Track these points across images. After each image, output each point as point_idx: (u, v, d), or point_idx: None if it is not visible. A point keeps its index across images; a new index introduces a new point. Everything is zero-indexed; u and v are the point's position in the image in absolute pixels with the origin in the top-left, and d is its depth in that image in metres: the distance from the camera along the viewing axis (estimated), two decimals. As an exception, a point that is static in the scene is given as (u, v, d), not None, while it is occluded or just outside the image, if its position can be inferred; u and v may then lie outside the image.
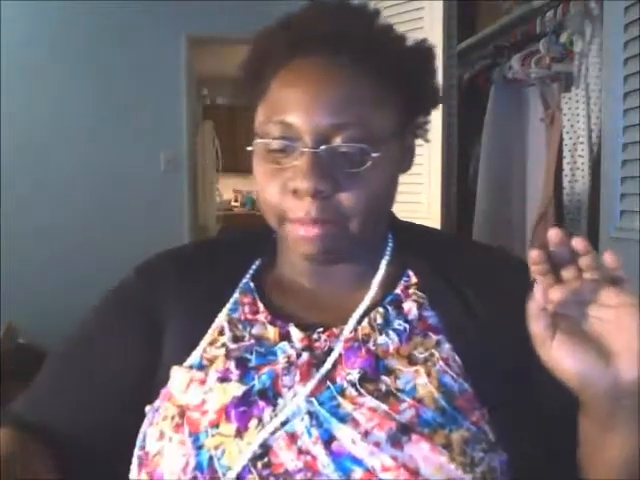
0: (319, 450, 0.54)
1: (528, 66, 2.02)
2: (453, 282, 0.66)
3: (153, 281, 0.70)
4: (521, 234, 2.17)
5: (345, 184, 0.59)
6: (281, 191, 0.61)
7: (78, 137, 3.46)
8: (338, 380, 0.59)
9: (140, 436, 0.62)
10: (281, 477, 0.54)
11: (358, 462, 0.53)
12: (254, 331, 0.64)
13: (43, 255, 3.37)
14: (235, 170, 6.44)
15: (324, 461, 0.53)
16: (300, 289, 0.69)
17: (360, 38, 0.62)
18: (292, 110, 0.59)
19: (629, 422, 0.50)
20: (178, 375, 0.62)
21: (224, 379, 0.60)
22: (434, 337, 0.62)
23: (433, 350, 0.61)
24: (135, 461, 0.61)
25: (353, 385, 0.58)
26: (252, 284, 0.69)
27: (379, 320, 0.64)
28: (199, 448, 0.57)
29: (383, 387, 0.58)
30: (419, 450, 0.53)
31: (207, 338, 0.65)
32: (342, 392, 0.58)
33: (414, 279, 0.67)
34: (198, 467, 0.56)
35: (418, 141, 0.71)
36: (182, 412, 0.60)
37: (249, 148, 0.64)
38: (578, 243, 0.50)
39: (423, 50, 0.67)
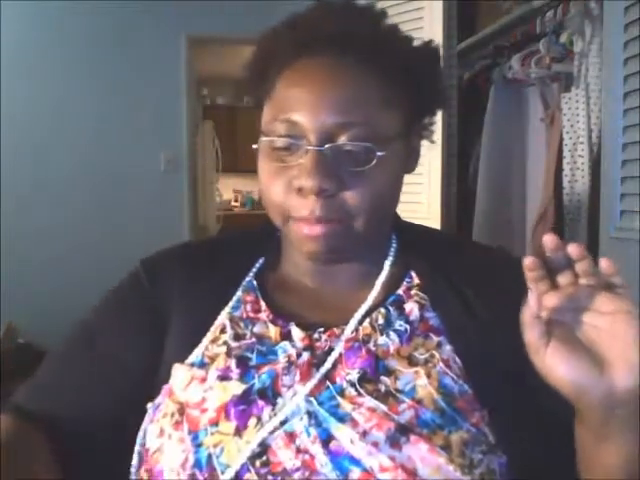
0: (317, 449, 0.54)
1: (528, 66, 2.02)
2: (454, 282, 0.66)
3: (157, 277, 0.70)
4: (521, 234, 2.17)
5: (350, 183, 0.59)
6: (286, 189, 0.61)
7: (78, 137, 3.46)
8: (338, 380, 0.59)
9: (140, 432, 0.62)
10: (279, 476, 0.54)
11: (356, 462, 0.53)
12: (255, 329, 0.64)
13: (43, 255, 3.37)
14: (235, 170, 6.44)
15: (322, 460, 0.53)
16: (303, 288, 0.69)
17: (366, 38, 0.62)
18: (298, 108, 0.60)
19: (623, 431, 0.50)
20: (179, 373, 0.62)
21: (224, 377, 0.60)
22: (435, 338, 0.62)
23: (434, 351, 0.61)
24: (135, 457, 0.62)
25: (353, 385, 0.58)
26: (255, 282, 0.69)
27: (380, 320, 0.64)
28: (198, 446, 0.57)
29: (382, 387, 0.58)
30: (417, 451, 0.53)
31: (209, 336, 0.65)
32: (341, 392, 0.58)
33: (416, 280, 0.67)
34: (197, 464, 0.56)
35: (418, 141, 0.71)
36: (182, 409, 0.60)
37: (254, 146, 0.64)
38: (573, 249, 0.49)
39: (429, 51, 0.67)
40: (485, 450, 0.56)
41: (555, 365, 0.50)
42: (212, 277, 0.70)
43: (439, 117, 0.73)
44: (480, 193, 2.27)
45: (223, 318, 0.66)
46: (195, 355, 0.64)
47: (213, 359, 0.63)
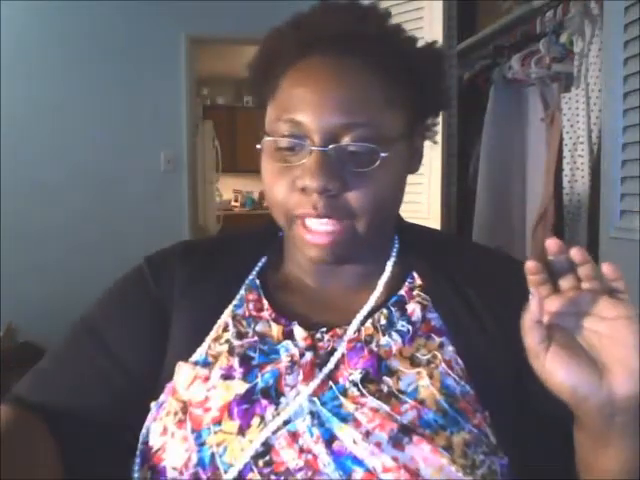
0: (320, 449, 0.54)
1: (528, 66, 2.02)
2: (456, 283, 0.66)
3: (161, 274, 0.70)
4: (521, 234, 2.17)
5: (353, 183, 0.59)
6: (289, 189, 0.61)
7: (78, 137, 3.46)
8: (340, 380, 0.59)
9: (143, 430, 0.62)
10: (282, 476, 0.54)
11: (359, 462, 0.53)
12: (258, 328, 0.65)
13: (43, 255, 3.37)
14: (235, 170, 6.45)
15: (325, 460, 0.54)
16: (305, 288, 0.70)
17: (370, 38, 0.62)
18: (301, 109, 0.60)
19: (623, 437, 0.50)
20: (183, 371, 0.62)
21: (227, 376, 0.61)
22: (437, 339, 0.63)
23: (436, 352, 0.61)
24: (138, 455, 0.62)
25: (355, 385, 0.58)
26: (257, 281, 0.69)
27: (383, 321, 0.64)
28: (201, 445, 0.57)
29: (385, 388, 0.58)
30: (420, 451, 0.53)
31: (212, 334, 0.65)
32: (344, 392, 0.58)
33: (419, 281, 0.67)
34: (200, 463, 0.56)
35: (419, 141, 0.71)
36: (185, 408, 0.60)
37: (258, 146, 0.64)
38: (576, 253, 0.49)
39: (433, 52, 0.67)
40: (487, 451, 0.56)
41: (555, 370, 0.49)
42: (215, 276, 0.70)
43: (439, 117, 0.73)
44: (480, 193, 2.27)
45: (226, 316, 0.66)
46: (199, 354, 0.64)
47: (216, 358, 0.63)
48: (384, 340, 0.62)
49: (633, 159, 1.46)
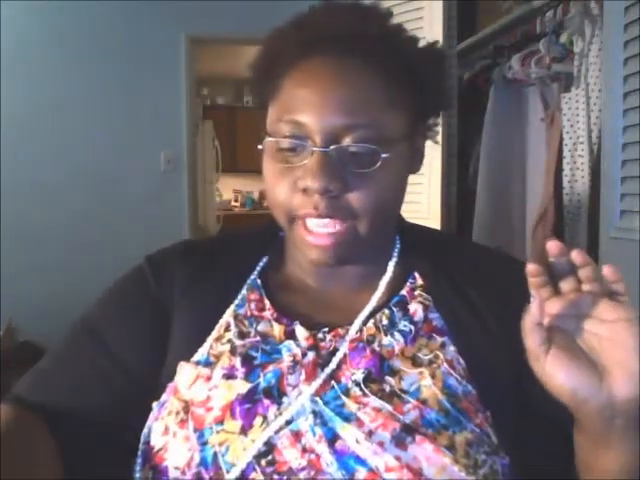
0: (323, 449, 0.54)
1: (528, 66, 2.02)
2: (457, 283, 0.66)
3: (162, 274, 0.70)
4: (521, 234, 2.17)
5: (354, 184, 0.59)
6: (291, 190, 0.61)
7: (78, 137, 3.46)
8: (343, 380, 0.59)
9: (145, 430, 0.62)
10: (285, 475, 0.54)
11: (362, 461, 0.53)
12: (260, 328, 0.65)
13: (43, 255, 3.37)
14: (235, 170, 6.45)
15: (328, 460, 0.54)
16: (306, 288, 0.70)
17: (372, 39, 0.62)
18: (303, 109, 0.60)
19: (623, 439, 0.50)
20: (185, 371, 0.62)
21: (229, 376, 0.61)
22: (439, 339, 0.63)
23: (438, 352, 0.61)
24: (140, 455, 0.62)
25: (358, 385, 0.58)
26: (259, 281, 0.69)
27: (384, 321, 0.64)
28: (203, 444, 0.57)
29: (387, 388, 0.58)
30: (423, 451, 0.53)
31: (214, 334, 0.65)
32: (347, 392, 0.58)
33: (420, 281, 0.68)
34: (202, 463, 0.56)
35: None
36: (187, 408, 0.60)
37: (259, 147, 0.64)
38: (577, 256, 0.49)
39: (435, 52, 0.67)
40: (488, 451, 0.56)
41: (555, 373, 0.49)
42: (216, 275, 0.70)
43: (439, 117, 0.73)
44: (480, 193, 2.27)
45: (228, 316, 0.66)
46: (200, 354, 0.64)
47: (218, 357, 0.63)
48: (386, 340, 0.62)
49: (633, 159, 1.46)
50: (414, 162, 0.68)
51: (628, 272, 0.50)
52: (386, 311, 0.65)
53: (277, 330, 0.64)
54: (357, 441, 0.54)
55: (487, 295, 0.65)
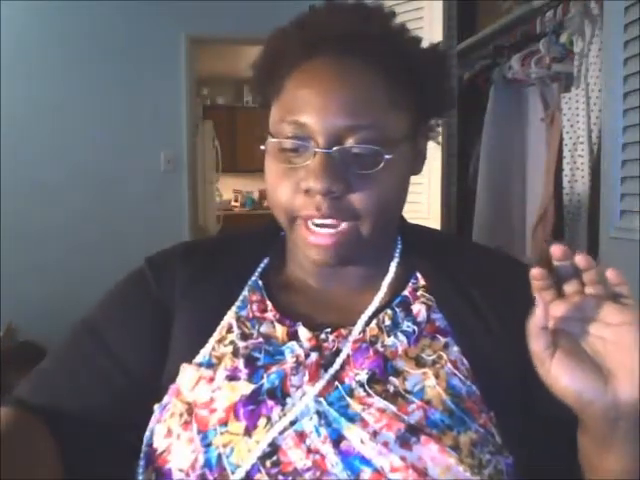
0: (328, 449, 0.54)
1: (528, 66, 2.02)
2: (460, 283, 0.66)
3: (163, 275, 0.70)
4: (521, 234, 2.17)
5: (356, 185, 0.59)
6: (293, 191, 0.61)
7: (78, 137, 3.46)
8: (346, 381, 0.59)
9: (147, 433, 0.62)
10: (290, 476, 0.54)
11: (367, 462, 0.53)
12: (262, 329, 0.65)
13: (43, 255, 3.37)
14: (235, 170, 6.45)
15: (333, 460, 0.54)
16: (308, 289, 0.70)
17: (374, 39, 0.62)
18: (306, 110, 0.59)
19: (626, 442, 0.50)
20: (187, 373, 0.62)
21: (233, 377, 0.60)
22: (442, 339, 0.63)
23: (441, 352, 0.61)
24: (142, 457, 0.62)
25: (362, 386, 0.58)
26: (260, 282, 0.69)
27: (387, 322, 0.64)
28: (208, 446, 0.57)
29: (391, 388, 0.58)
30: (428, 451, 0.53)
31: (215, 336, 0.65)
32: (351, 392, 0.58)
33: (422, 281, 0.68)
34: (207, 464, 0.56)
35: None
36: (190, 410, 0.60)
37: (262, 147, 0.64)
38: (581, 260, 0.50)
39: (437, 53, 0.67)
40: (493, 451, 0.56)
41: (560, 376, 0.50)
42: (217, 276, 0.70)
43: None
44: (480, 193, 2.27)
45: (229, 318, 0.66)
46: (202, 355, 0.64)
47: (220, 359, 0.63)
48: (389, 341, 0.62)
49: (633, 159, 1.46)
50: (416, 163, 0.68)
51: (628, 272, 0.50)
52: (389, 311, 0.65)
53: (280, 331, 0.64)
54: (362, 441, 0.54)
55: (489, 295, 0.65)
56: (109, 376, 0.65)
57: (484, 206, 2.26)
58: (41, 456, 0.59)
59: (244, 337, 0.64)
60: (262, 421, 0.57)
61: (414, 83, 0.63)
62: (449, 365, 0.60)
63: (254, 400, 0.58)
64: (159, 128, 3.57)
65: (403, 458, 0.53)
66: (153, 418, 0.62)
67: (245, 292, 0.68)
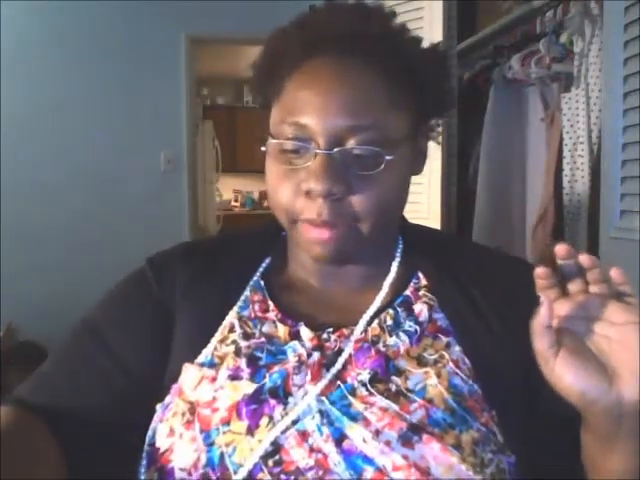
0: (330, 448, 0.54)
1: (528, 66, 2.02)
2: (461, 283, 0.66)
3: (164, 276, 0.70)
4: (521, 234, 2.17)
5: (357, 186, 0.59)
6: (294, 192, 0.61)
7: (78, 137, 3.46)
8: (349, 380, 0.59)
9: (149, 432, 0.62)
10: (292, 475, 0.54)
11: (369, 461, 0.53)
12: (264, 329, 0.65)
13: (43, 255, 3.37)
14: (235, 170, 6.45)
15: (335, 459, 0.54)
16: (310, 288, 0.70)
17: (375, 39, 0.62)
18: (306, 111, 0.59)
19: (630, 440, 0.50)
20: (189, 372, 0.63)
21: (235, 377, 0.61)
22: (444, 339, 0.63)
23: (443, 352, 0.61)
24: (144, 457, 0.62)
25: (364, 385, 0.58)
26: (262, 282, 0.69)
27: (389, 322, 0.64)
28: (210, 445, 0.57)
29: (393, 387, 0.58)
30: (430, 450, 0.53)
31: (217, 336, 0.65)
32: (353, 392, 0.58)
33: (424, 281, 0.68)
34: (209, 463, 0.56)
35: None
36: (193, 409, 0.60)
37: (263, 148, 0.64)
38: (585, 259, 0.50)
39: (437, 53, 0.67)
40: (495, 449, 0.56)
41: (564, 375, 0.50)
42: (219, 277, 0.70)
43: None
44: (480, 193, 2.27)
45: (231, 317, 0.66)
46: (204, 355, 0.64)
47: (222, 359, 0.63)
48: (391, 340, 0.62)
49: (633, 159, 1.46)
50: (417, 163, 0.68)
51: (628, 272, 0.50)
52: (390, 311, 0.65)
53: (282, 331, 0.64)
54: (364, 440, 0.54)
55: (490, 295, 0.65)
56: (109, 376, 0.65)
57: (484, 206, 2.26)
58: (41, 455, 0.59)
59: (246, 337, 0.64)
60: (264, 420, 0.57)
61: (414, 83, 0.63)
62: (451, 364, 0.60)
63: (256, 399, 0.59)
64: (159, 128, 3.57)
65: (405, 457, 0.53)
66: (155, 417, 0.63)
67: (247, 292, 0.68)
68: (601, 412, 0.49)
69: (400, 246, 0.71)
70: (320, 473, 0.53)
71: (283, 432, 0.56)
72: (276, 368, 0.61)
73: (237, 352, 0.63)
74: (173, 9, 3.46)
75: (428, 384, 0.58)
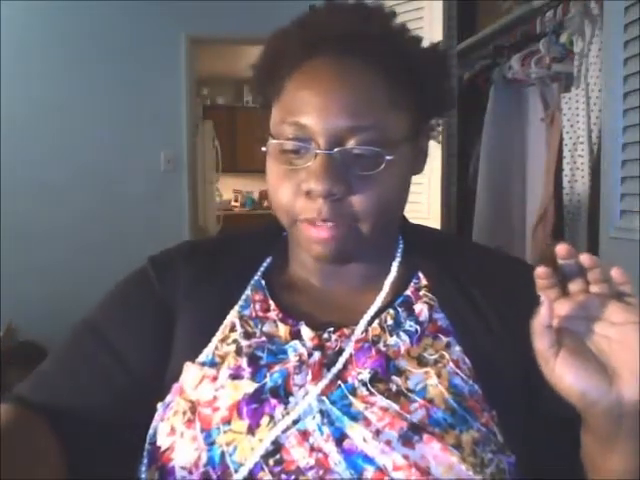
0: (331, 448, 0.54)
1: (528, 66, 2.02)
2: (461, 283, 0.67)
3: (165, 275, 0.70)
4: (521, 234, 2.17)
5: (358, 186, 0.60)
6: (294, 192, 0.61)
7: (78, 137, 3.46)
8: (349, 380, 0.59)
9: (150, 431, 0.62)
10: (293, 474, 0.54)
11: (369, 460, 0.53)
12: (265, 328, 0.65)
13: (43, 255, 3.37)
14: (235, 170, 6.46)
15: (336, 459, 0.54)
16: (310, 288, 0.70)
17: (375, 39, 0.62)
18: (306, 111, 0.59)
19: (630, 441, 0.50)
20: (190, 371, 0.63)
21: (236, 376, 0.61)
22: (444, 339, 0.63)
23: (443, 352, 0.62)
24: (145, 455, 0.62)
25: (364, 385, 0.59)
26: (263, 282, 0.69)
27: (389, 321, 0.64)
28: (211, 444, 0.57)
29: (394, 387, 0.59)
30: (430, 449, 0.53)
31: (218, 335, 0.65)
32: (353, 391, 0.58)
33: (424, 281, 0.68)
34: (210, 462, 0.56)
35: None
36: (193, 408, 0.60)
37: (263, 149, 0.64)
38: (586, 259, 0.50)
39: (437, 52, 0.67)
40: (495, 449, 0.56)
41: (564, 375, 0.50)
42: (220, 276, 0.70)
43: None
44: (480, 193, 2.27)
45: (232, 317, 0.66)
46: (205, 354, 0.64)
47: (223, 358, 0.63)
48: (392, 340, 0.62)
49: (633, 159, 1.46)
50: (417, 163, 0.68)
51: (628, 272, 0.50)
52: (391, 311, 0.65)
53: (283, 331, 0.64)
54: (365, 440, 0.54)
55: (490, 295, 0.65)
56: (110, 375, 0.65)
57: (484, 206, 2.26)
58: (41, 454, 0.59)
59: (247, 336, 0.64)
60: (265, 420, 0.57)
61: (414, 83, 0.63)
62: (451, 364, 0.60)
63: (257, 399, 0.59)
64: (159, 128, 3.57)
65: (406, 456, 0.53)
66: (156, 416, 0.63)
67: (248, 291, 0.68)
68: (601, 412, 0.49)
69: (400, 246, 0.71)
70: (320, 472, 0.54)
71: (284, 431, 0.56)
72: (277, 367, 0.61)
73: (238, 351, 0.63)
74: (173, 9, 3.46)
75: (428, 384, 0.59)
